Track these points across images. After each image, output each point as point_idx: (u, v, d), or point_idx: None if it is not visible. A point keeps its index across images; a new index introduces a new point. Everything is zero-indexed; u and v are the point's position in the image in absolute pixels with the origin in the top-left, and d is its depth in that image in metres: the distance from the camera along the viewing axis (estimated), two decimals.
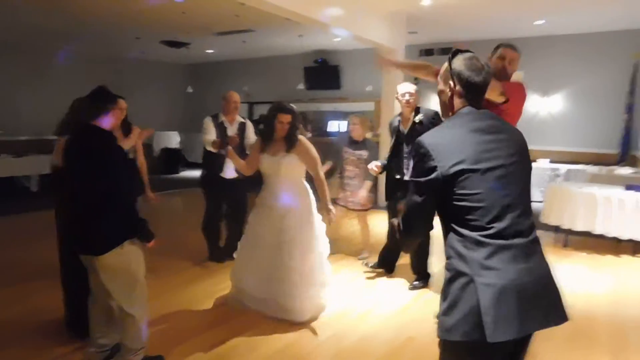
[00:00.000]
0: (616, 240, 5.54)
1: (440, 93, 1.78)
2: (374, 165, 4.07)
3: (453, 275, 1.59)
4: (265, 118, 3.50)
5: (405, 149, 4.03)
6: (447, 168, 1.57)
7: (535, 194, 8.83)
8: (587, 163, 8.43)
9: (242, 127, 4.70)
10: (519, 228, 1.59)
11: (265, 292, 3.45)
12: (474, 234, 1.57)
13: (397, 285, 4.24)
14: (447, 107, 1.76)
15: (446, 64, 1.75)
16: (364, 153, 4.71)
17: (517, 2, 6.66)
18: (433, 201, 1.64)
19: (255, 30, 8.91)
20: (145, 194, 4.03)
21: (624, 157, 8.19)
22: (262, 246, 3.47)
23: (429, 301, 3.85)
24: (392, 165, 4.11)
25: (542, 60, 9.05)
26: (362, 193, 4.73)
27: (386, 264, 4.51)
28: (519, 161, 1.68)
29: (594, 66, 8.65)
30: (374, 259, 4.69)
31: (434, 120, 3.78)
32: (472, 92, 1.71)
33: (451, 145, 1.61)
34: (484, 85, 1.72)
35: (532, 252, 1.60)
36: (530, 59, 9.13)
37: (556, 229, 5.87)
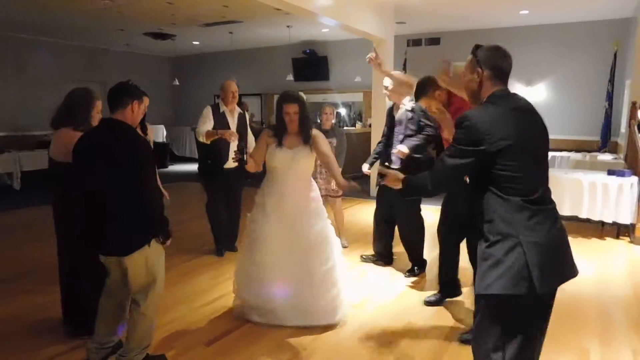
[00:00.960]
0: (601, 224, 5.73)
1: (468, 82, 1.96)
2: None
3: (497, 237, 1.77)
4: (276, 112, 3.28)
5: (396, 132, 4.11)
6: (494, 142, 1.76)
7: None
8: (569, 150, 8.64)
9: (242, 118, 4.72)
10: (547, 196, 1.86)
11: (286, 302, 3.18)
12: (516, 199, 1.77)
13: (392, 273, 4.34)
14: (477, 93, 1.95)
15: (470, 56, 1.95)
16: (333, 140, 4.80)
17: None
18: (470, 167, 1.82)
19: (243, 21, 8.86)
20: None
21: (605, 144, 8.42)
22: (276, 251, 3.17)
23: (425, 287, 3.96)
24: (385, 154, 4.22)
25: (527, 49, 9.20)
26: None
27: (384, 257, 4.54)
28: (545, 140, 1.94)
29: (576, 55, 8.84)
30: (356, 247, 4.82)
31: (423, 112, 3.88)
32: (500, 75, 1.91)
33: (496, 122, 1.79)
34: (509, 69, 1.93)
35: (557, 217, 1.87)
36: (514, 48, 9.17)
37: None
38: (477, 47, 1.95)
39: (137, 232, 2.43)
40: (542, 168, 1.89)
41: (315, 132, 3.24)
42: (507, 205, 1.77)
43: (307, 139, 3.17)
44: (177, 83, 12.22)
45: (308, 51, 11.39)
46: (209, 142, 4.44)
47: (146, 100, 3.88)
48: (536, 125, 1.90)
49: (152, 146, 4.12)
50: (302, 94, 3.26)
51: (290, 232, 3.16)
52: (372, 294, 3.89)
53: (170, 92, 13.49)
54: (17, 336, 3.13)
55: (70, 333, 3.04)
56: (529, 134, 1.83)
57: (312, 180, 3.35)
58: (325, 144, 3.25)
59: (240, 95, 14.25)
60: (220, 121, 4.53)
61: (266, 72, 12.16)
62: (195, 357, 2.89)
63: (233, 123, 4.60)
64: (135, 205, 2.37)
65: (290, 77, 11.04)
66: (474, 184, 1.90)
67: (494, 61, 1.90)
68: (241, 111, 4.75)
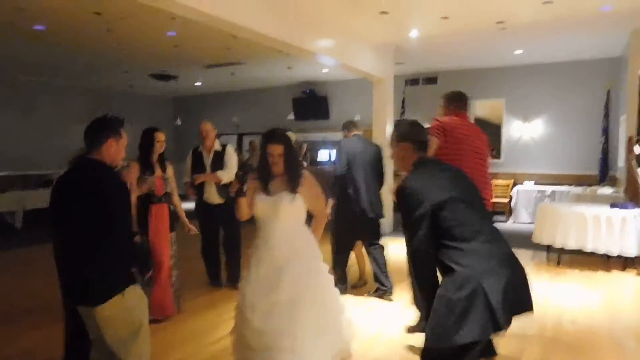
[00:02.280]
0: (606, 257, 5.73)
1: (396, 153, 2.34)
2: None
3: (460, 284, 1.89)
4: (260, 152, 2.83)
5: None
6: (432, 200, 2.01)
7: (522, 215, 9.06)
8: (569, 184, 8.74)
9: (216, 156, 4.82)
10: (496, 236, 2.09)
11: None
12: (467, 245, 1.96)
13: (402, 307, 4.29)
14: (406, 162, 2.29)
15: (393, 133, 2.37)
16: None
17: (498, 34, 7.02)
18: (429, 229, 1.99)
19: (244, 62, 9.11)
20: (185, 227, 4.29)
21: (603, 178, 8.52)
22: (260, 311, 2.61)
23: None
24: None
25: (522, 87, 9.47)
26: None
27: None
28: (472, 187, 2.24)
29: (570, 92, 9.09)
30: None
31: None
32: (421, 145, 2.29)
33: (428, 185, 2.09)
34: (427, 139, 2.38)
35: (512, 254, 2.07)
36: (511, 86, 9.56)
37: (548, 248, 6.04)
38: (397, 124, 2.40)
39: (109, 280, 2.18)
40: (479, 209, 2.15)
41: (306, 174, 2.82)
42: (461, 253, 1.94)
43: (294, 185, 2.72)
44: (179, 123, 12.40)
45: (308, 91, 11.65)
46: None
47: (160, 136, 4.05)
48: (457, 178, 2.21)
49: (175, 186, 4.26)
50: (291, 133, 2.89)
51: (267, 289, 2.63)
52: (383, 327, 3.85)
53: (172, 131, 13.65)
54: None
55: None
56: (460, 187, 2.13)
57: (305, 228, 2.85)
58: (313, 191, 2.82)
59: (241, 135, 14.48)
60: (197, 159, 4.85)
61: (267, 112, 12.38)
62: None
63: (208, 160, 4.81)
64: (105, 249, 2.17)
65: (291, 116, 11.24)
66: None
67: (414, 135, 2.28)
68: (218, 149, 4.86)
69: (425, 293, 2.07)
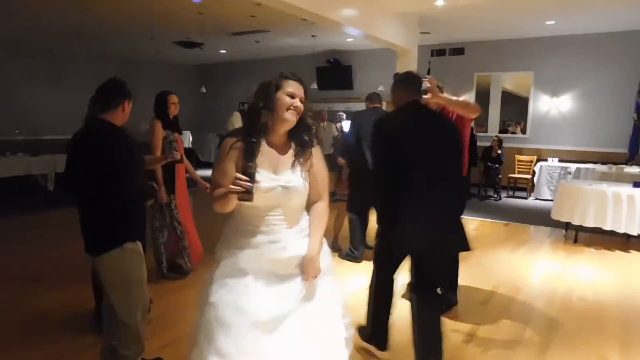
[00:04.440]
0: (626, 236, 5.66)
1: (392, 101, 2.69)
2: None
3: (391, 220, 2.53)
4: (259, 95, 1.95)
5: None
6: (390, 142, 2.43)
7: (544, 192, 8.94)
8: (595, 162, 8.53)
9: None
10: (438, 190, 2.45)
11: None
12: (406, 193, 2.38)
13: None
14: (397, 105, 2.61)
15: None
16: None
17: (529, 3, 6.77)
18: (386, 162, 2.37)
19: (269, 30, 9.08)
20: (199, 184, 4.31)
21: (632, 156, 8.28)
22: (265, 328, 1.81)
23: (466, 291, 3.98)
24: None
25: (552, 60, 9.17)
26: None
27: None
28: (445, 141, 2.60)
29: (603, 66, 8.75)
30: None
31: None
32: (415, 92, 2.55)
33: (396, 127, 2.49)
34: (420, 86, 2.58)
35: (446, 205, 2.51)
36: (540, 59, 9.26)
37: (567, 226, 5.99)
38: (394, 75, 2.87)
39: (108, 233, 2.34)
40: (434, 168, 2.48)
41: (316, 147, 1.96)
42: (401, 195, 2.36)
43: (301, 153, 1.89)
44: (204, 90, 12.51)
45: (332, 60, 11.55)
46: None
47: (173, 98, 4.01)
48: (441, 129, 2.58)
49: (182, 149, 4.32)
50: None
51: (279, 300, 1.84)
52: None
53: (197, 99, 13.82)
54: (56, 327, 3.30)
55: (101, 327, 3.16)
56: (429, 138, 2.45)
57: (306, 215, 1.98)
58: (320, 169, 1.96)
59: None
60: None
61: None
62: None
63: None
64: (106, 204, 2.32)
65: (314, 86, 11.20)
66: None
67: (407, 82, 2.61)
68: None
69: (379, 203, 2.55)
